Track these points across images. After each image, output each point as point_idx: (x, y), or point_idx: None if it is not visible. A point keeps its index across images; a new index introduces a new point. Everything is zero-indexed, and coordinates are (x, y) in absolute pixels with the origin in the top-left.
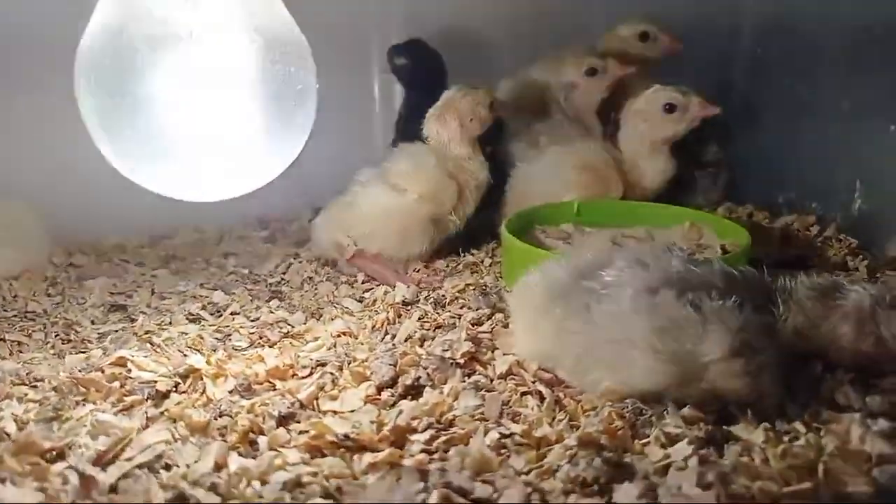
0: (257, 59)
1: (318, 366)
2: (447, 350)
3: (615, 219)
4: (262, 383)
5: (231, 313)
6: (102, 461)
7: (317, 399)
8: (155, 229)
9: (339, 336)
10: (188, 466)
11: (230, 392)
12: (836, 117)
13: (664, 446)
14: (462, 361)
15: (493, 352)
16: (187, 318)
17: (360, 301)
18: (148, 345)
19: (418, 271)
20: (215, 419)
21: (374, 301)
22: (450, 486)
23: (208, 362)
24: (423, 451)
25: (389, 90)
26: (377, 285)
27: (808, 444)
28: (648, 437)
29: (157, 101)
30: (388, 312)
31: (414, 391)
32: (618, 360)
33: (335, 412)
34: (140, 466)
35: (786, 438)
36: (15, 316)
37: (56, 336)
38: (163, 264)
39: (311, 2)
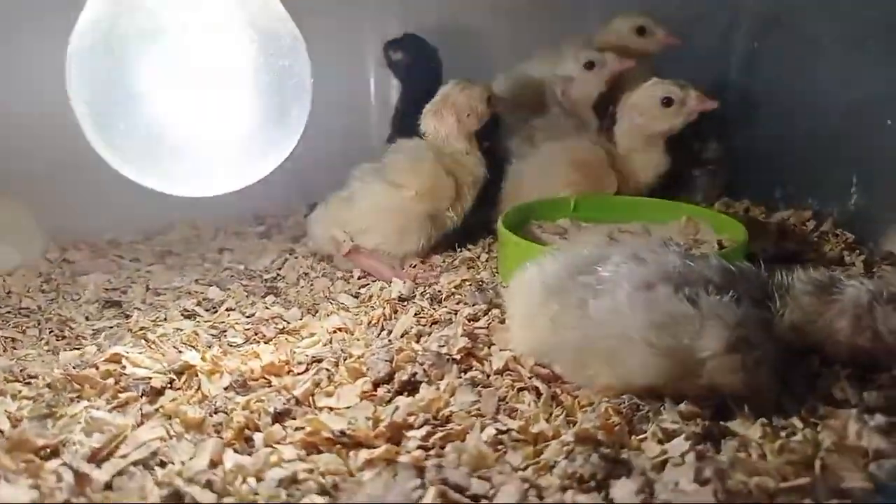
0: (252, 53)
1: (313, 362)
2: (443, 346)
3: (612, 214)
4: (257, 379)
5: (226, 309)
6: (97, 458)
7: (312, 395)
8: (150, 225)
9: (335, 332)
10: (183, 463)
11: (225, 388)
12: (833, 112)
13: (661, 442)
14: (458, 357)
15: (489, 347)
16: (182, 315)
17: (357, 297)
18: (143, 341)
19: (415, 267)
20: (210, 416)
21: (371, 297)
22: (446, 483)
23: (203, 358)
24: (419, 447)
25: (385, 85)
26: (373, 281)
27: (805, 440)
28: (645, 432)
29: (151, 95)
30: (384, 308)
31: (410, 387)
32: (615, 355)
33: (331, 408)
34: (135, 463)
35: (783, 434)
36: (9, 312)
37: (50, 332)
38: (158, 260)
39: None
